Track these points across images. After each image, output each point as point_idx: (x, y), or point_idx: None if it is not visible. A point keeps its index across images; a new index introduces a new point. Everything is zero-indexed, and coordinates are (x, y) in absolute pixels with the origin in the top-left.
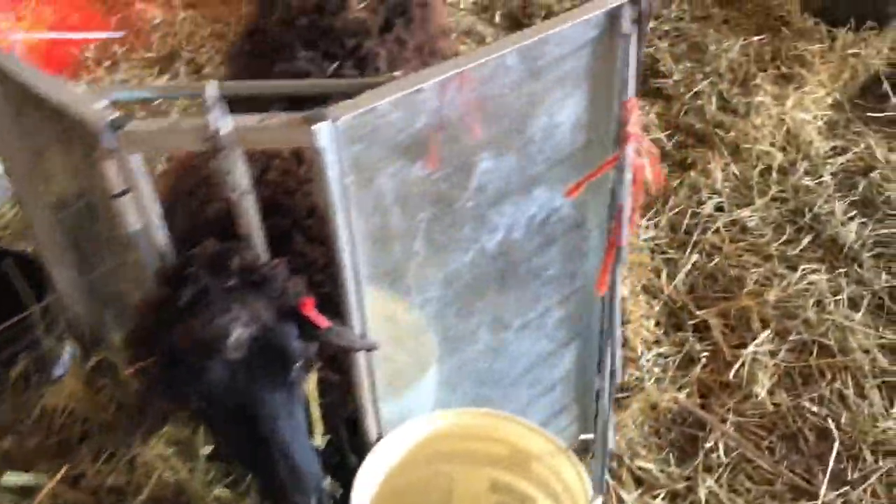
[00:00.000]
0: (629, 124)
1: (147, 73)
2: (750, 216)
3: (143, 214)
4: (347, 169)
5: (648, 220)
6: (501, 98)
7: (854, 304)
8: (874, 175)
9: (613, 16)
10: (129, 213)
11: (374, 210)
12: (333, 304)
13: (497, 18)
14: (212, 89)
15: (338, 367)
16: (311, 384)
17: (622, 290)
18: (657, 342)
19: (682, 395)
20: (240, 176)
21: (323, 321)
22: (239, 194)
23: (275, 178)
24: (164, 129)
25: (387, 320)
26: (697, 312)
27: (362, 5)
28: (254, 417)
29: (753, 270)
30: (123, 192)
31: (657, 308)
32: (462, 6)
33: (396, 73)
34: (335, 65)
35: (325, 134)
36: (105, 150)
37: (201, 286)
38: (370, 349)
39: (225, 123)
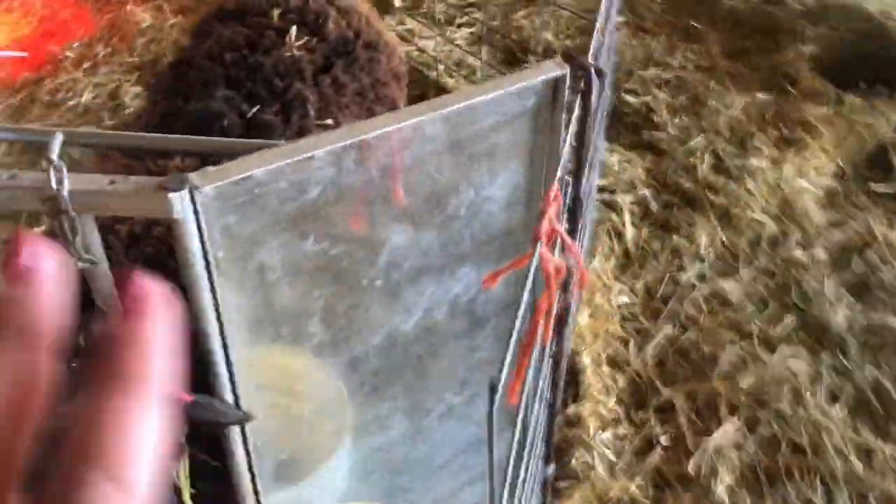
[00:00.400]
0: (545, 217)
1: (125, 78)
2: (733, 288)
3: None
4: (217, 242)
5: (623, 283)
6: (419, 168)
7: (833, 397)
8: (870, 254)
9: (557, 83)
10: None
11: (256, 288)
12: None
13: (492, 53)
14: (57, 140)
15: (219, 452)
16: (181, 471)
17: (584, 360)
18: (615, 421)
19: (633, 486)
20: (88, 242)
21: (184, 396)
22: (87, 262)
23: (160, 234)
24: None
25: (273, 405)
26: (664, 391)
27: (300, 43)
28: None
29: (729, 349)
30: None
31: (621, 383)
32: (457, 37)
33: (328, 121)
34: (256, 108)
35: (183, 204)
36: None
37: None
38: (241, 422)
39: (66, 184)
